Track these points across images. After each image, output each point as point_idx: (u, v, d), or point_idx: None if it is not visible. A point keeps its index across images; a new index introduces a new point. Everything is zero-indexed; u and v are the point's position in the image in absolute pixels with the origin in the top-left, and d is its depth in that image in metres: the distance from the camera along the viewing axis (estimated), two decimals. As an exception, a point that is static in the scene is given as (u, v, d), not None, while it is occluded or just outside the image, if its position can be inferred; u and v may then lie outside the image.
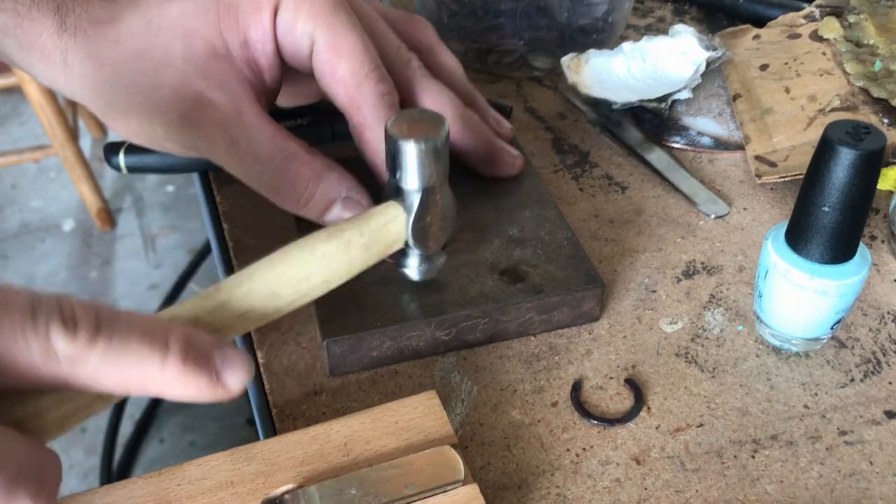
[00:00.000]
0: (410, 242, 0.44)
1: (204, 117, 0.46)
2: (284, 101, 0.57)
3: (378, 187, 0.48)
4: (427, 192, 0.43)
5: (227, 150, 0.47)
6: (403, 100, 0.51)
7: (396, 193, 0.44)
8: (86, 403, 0.31)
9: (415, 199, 0.43)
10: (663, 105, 0.65)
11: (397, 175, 0.43)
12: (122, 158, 0.58)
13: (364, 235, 0.41)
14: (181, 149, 0.48)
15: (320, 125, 0.58)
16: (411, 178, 0.43)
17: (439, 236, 0.46)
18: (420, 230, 0.44)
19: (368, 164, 0.50)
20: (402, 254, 0.46)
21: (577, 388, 0.48)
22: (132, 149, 0.58)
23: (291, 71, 0.50)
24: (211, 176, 0.61)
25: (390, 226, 0.43)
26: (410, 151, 0.42)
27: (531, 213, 0.54)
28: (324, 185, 0.48)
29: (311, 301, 0.40)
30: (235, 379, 0.32)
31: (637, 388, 0.47)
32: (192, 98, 0.46)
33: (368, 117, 0.48)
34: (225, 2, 0.47)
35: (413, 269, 0.47)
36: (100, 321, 0.28)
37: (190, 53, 0.47)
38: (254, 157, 0.47)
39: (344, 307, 0.48)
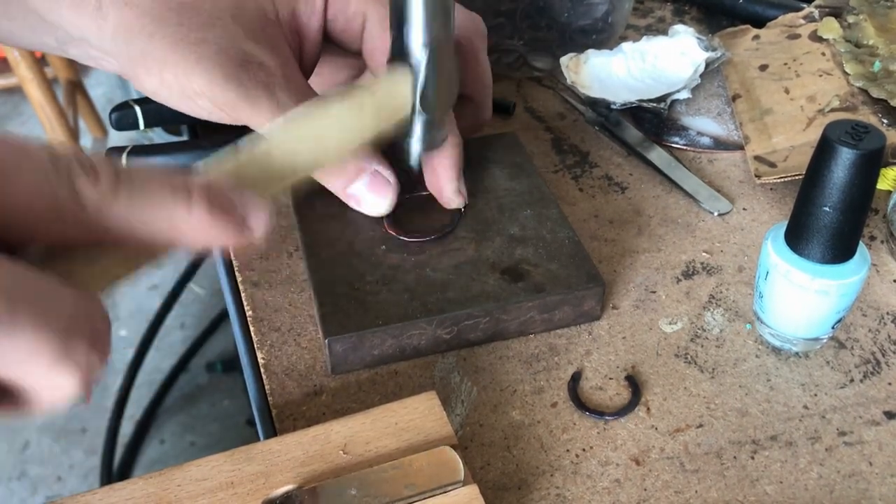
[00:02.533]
0: (417, 106, 0.43)
1: (251, 77, 0.46)
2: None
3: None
4: (433, 52, 0.43)
5: (270, 112, 0.47)
6: None
7: (402, 55, 0.43)
8: (116, 264, 0.30)
9: (421, 59, 0.43)
10: (662, 105, 0.66)
11: (404, 30, 0.42)
12: (124, 161, 0.57)
13: (375, 95, 0.41)
14: (215, 107, 0.48)
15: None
16: (417, 33, 0.42)
17: (445, 100, 0.45)
18: (427, 91, 0.43)
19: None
20: (407, 125, 0.45)
21: (575, 378, 0.48)
22: (135, 152, 0.57)
23: (325, 53, 0.51)
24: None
25: (399, 87, 0.42)
26: (417, 0, 0.41)
27: (532, 211, 0.54)
28: (354, 158, 0.49)
29: (331, 163, 0.40)
30: (259, 221, 0.32)
31: (635, 384, 0.48)
32: (239, 57, 0.46)
33: None
34: None
35: (417, 139, 0.46)
36: (118, 171, 0.28)
37: (239, 13, 0.47)
38: None
39: (346, 306, 0.48)
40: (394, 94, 0.42)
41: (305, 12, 0.49)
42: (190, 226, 0.30)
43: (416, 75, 0.43)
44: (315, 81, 0.55)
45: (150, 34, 0.46)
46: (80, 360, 0.26)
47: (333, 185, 0.50)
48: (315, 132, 0.38)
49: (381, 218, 0.52)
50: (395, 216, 0.52)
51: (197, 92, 0.47)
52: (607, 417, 0.46)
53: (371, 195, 0.51)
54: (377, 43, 0.49)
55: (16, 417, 0.27)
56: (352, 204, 0.51)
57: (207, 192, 0.30)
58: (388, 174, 0.50)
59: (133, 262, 0.31)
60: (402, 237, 0.51)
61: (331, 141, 0.39)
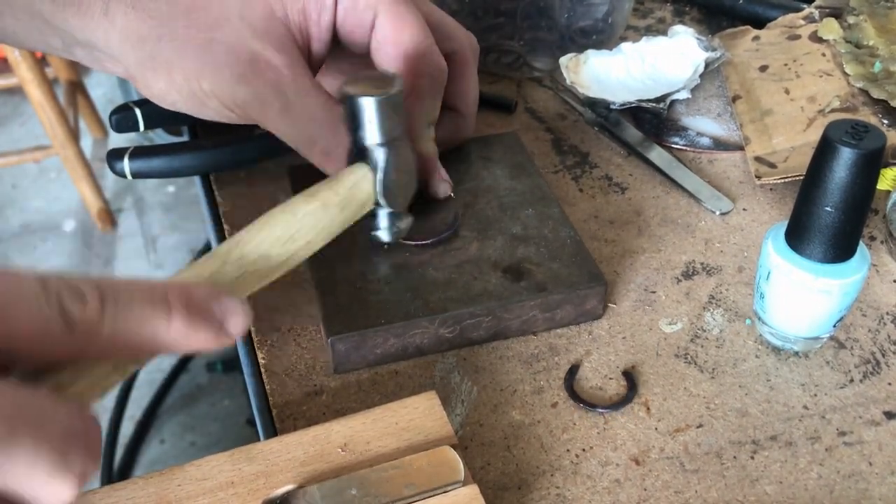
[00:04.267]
0: (380, 199, 0.46)
1: (259, 77, 0.47)
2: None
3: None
4: (389, 148, 0.45)
5: (279, 111, 0.48)
6: None
7: (360, 155, 0.45)
8: (104, 374, 0.32)
9: (379, 156, 0.45)
10: (662, 105, 0.66)
11: (359, 134, 0.45)
12: (126, 164, 0.57)
13: (338, 195, 0.43)
14: (222, 106, 0.48)
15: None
16: (372, 134, 0.45)
17: (406, 191, 0.48)
18: (387, 185, 0.45)
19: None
20: (372, 217, 0.48)
21: (573, 371, 0.48)
22: (136, 154, 0.57)
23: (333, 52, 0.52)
24: (212, 177, 0.61)
25: (360, 184, 0.45)
26: (369, 107, 0.44)
27: (534, 211, 0.54)
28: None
29: (301, 262, 0.41)
30: (237, 324, 0.33)
31: (631, 379, 0.48)
32: (248, 57, 0.47)
33: (427, 86, 0.50)
34: None
35: (384, 230, 0.48)
36: (102, 290, 0.29)
37: (247, 13, 0.47)
38: (308, 118, 0.48)
39: (348, 305, 0.48)
40: (356, 191, 0.44)
41: (315, 8, 0.49)
42: (170, 335, 0.31)
43: (376, 172, 0.45)
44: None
45: (157, 37, 0.46)
46: (76, 469, 0.27)
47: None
48: (285, 232, 0.40)
49: None
50: None
51: (206, 93, 0.47)
52: (600, 410, 0.46)
53: None
54: (389, 37, 0.49)
55: None
56: None
57: (186, 301, 0.31)
58: None
59: (120, 370, 0.32)
60: (404, 240, 0.51)
61: (300, 240, 0.41)
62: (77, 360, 0.31)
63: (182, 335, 0.31)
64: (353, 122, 0.45)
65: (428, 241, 0.52)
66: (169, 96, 0.48)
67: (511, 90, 0.71)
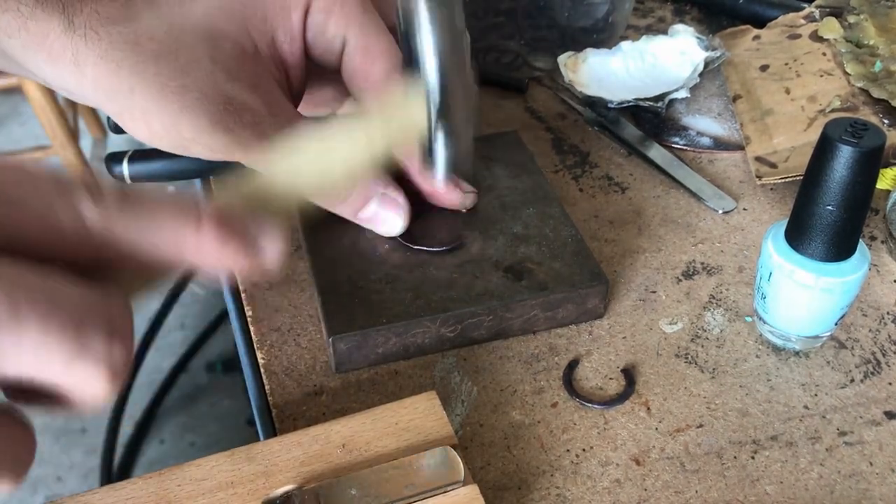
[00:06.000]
0: (434, 115, 0.41)
1: (237, 121, 0.46)
2: (304, 109, 0.57)
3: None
4: (445, 56, 0.41)
5: (261, 151, 0.46)
6: None
7: (413, 65, 0.41)
8: (126, 280, 0.30)
9: (434, 65, 0.41)
10: (660, 104, 0.66)
11: (414, 44, 0.41)
12: (125, 167, 0.56)
13: (384, 111, 0.40)
14: (209, 152, 0.47)
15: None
16: (427, 42, 0.40)
17: (465, 105, 0.43)
18: (443, 99, 0.41)
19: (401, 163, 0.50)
20: (428, 142, 0.43)
21: (572, 366, 0.48)
22: (136, 157, 0.57)
23: (312, 77, 0.50)
24: (212, 180, 0.61)
25: (409, 102, 0.41)
26: (426, 8, 0.40)
27: (535, 210, 0.54)
28: (363, 183, 0.49)
29: (341, 184, 0.39)
30: (272, 245, 0.31)
31: (630, 376, 0.48)
32: (223, 101, 0.45)
33: None
34: (251, 1, 0.47)
35: (441, 151, 0.43)
36: (124, 192, 0.28)
37: (217, 55, 0.46)
38: None
39: (349, 304, 0.48)
40: (403, 108, 0.41)
41: (285, 40, 0.47)
42: (199, 247, 0.29)
43: (430, 84, 0.41)
44: (305, 100, 0.54)
45: (129, 88, 0.45)
46: (99, 352, 0.25)
47: (344, 211, 0.50)
48: (323, 154, 0.38)
49: None
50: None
51: (187, 139, 0.46)
52: (597, 406, 0.46)
53: (383, 217, 0.51)
54: (358, 68, 0.48)
55: (62, 414, 0.27)
56: (365, 226, 0.51)
57: (217, 214, 0.30)
58: (396, 195, 0.50)
59: (143, 282, 0.31)
60: (411, 245, 0.51)
61: (339, 162, 0.38)
62: (95, 272, 0.29)
63: (212, 246, 0.29)
64: (408, 26, 0.41)
65: (435, 251, 0.51)
66: (154, 142, 0.48)
67: (511, 90, 0.71)
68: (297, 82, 0.50)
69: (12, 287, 0.24)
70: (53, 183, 0.27)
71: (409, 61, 0.42)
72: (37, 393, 0.26)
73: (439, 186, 0.51)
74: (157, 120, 0.46)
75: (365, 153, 0.39)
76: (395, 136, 0.41)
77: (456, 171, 0.45)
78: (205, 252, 0.29)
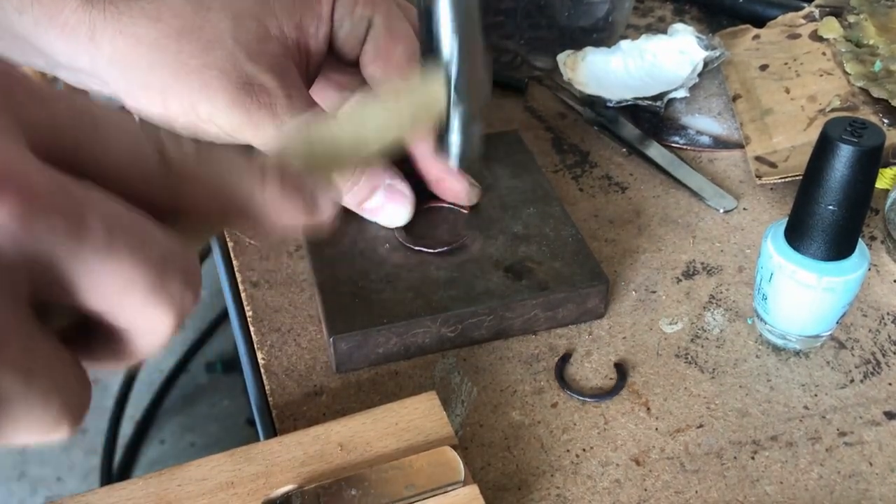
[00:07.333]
0: (453, 95, 0.43)
1: (254, 101, 0.46)
2: None
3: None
4: (462, 39, 0.42)
5: (273, 134, 0.46)
6: None
7: (432, 50, 0.42)
8: (190, 230, 0.30)
9: (453, 48, 0.42)
10: (659, 103, 0.66)
11: (433, 26, 0.42)
12: None
13: (410, 89, 0.41)
14: (220, 131, 0.47)
15: None
16: (446, 24, 0.41)
17: (480, 88, 0.44)
18: (460, 81, 0.42)
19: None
20: (444, 123, 0.44)
21: (565, 359, 0.48)
22: None
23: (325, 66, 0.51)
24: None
25: (432, 81, 0.42)
26: None
27: (535, 209, 0.54)
28: (369, 173, 0.49)
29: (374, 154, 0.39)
30: (328, 202, 0.31)
31: (622, 371, 0.48)
32: (242, 81, 0.46)
33: None
34: None
35: (457, 132, 0.44)
36: (199, 142, 0.29)
37: (240, 34, 0.46)
38: None
39: (350, 304, 0.48)
40: (421, 92, 0.42)
41: (312, 22, 0.48)
42: (263, 200, 0.30)
43: (449, 65, 0.42)
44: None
45: (149, 64, 0.45)
46: (175, 295, 0.25)
47: (349, 201, 0.51)
48: (336, 137, 0.37)
49: None
50: (406, 225, 0.52)
51: (203, 118, 0.46)
52: (587, 399, 0.46)
53: (387, 208, 0.51)
54: (381, 49, 0.49)
55: (115, 365, 0.27)
56: (369, 217, 0.52)
57: (280, 170, 0.30)
58: (402, 187, 0.51)
59: (204, 233, 0.31)
60: (412, 246, 0.51)
61: (351, 146, 0.38)
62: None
63: (275, 200, 0.30)
64: (429, 13, 0.42)
65: (435, 251, 0.51)
66: (166, 121, 0.47)
67: (511, 90, 0.71)
68: (314, 67, 0.50)
69: (108, 217, 0.24)
70: (140, 122, 0.27)
71: (428, 50, 0.43)
72: (97, 337, 0.26)
73: (452, 170, 0.51)
74: (174, 97, 0.46)
75: (381, 137, 0.39)
76: (412, 120, 0.41)
77: (468, 157, 0.45)
78: (268, 204, 0.30)
